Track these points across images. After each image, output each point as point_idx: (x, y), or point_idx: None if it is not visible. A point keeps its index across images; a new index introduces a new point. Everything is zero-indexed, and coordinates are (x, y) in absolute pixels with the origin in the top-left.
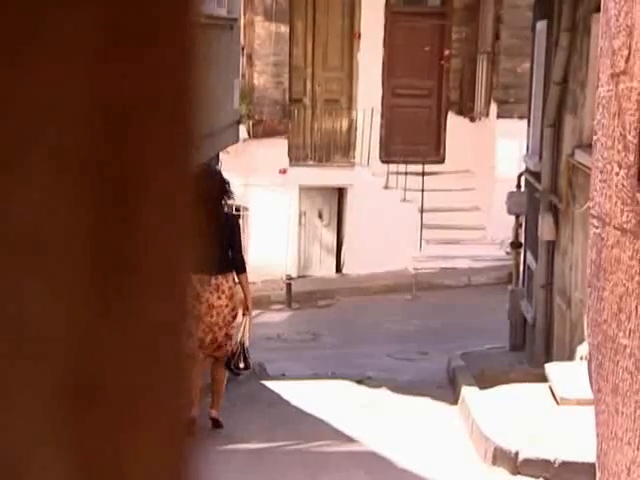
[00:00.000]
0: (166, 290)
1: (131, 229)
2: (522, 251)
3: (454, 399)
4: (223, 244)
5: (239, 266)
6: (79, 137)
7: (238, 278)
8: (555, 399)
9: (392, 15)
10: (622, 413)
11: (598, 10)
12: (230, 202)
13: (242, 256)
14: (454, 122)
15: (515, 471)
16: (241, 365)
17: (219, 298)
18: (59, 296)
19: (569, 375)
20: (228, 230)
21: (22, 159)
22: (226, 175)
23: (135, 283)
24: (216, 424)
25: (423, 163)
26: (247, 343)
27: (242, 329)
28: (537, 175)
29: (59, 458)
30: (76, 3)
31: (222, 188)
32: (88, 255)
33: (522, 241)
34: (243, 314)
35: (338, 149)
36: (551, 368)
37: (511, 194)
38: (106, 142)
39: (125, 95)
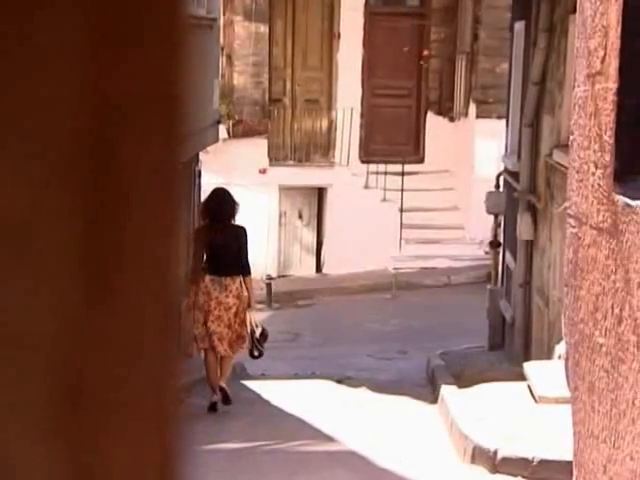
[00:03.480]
0: (154, 288)
1: (118, 227)
2: (501, 251)
3: (433, 398)
4: (232, 251)
5: (245, 270)
6: (67, 136)
7: (244, 280)
8: (534, 398)
9: (371, 15)
10: (598, 411)
11: (575, 11)
12: (237, 217)
13: (248, 262)
14: (433, 122)
15: (494, 470)
16: (255, 353)
17: (227, 296)
18: (46, 293)
19: (547, 374)
20: (236, 240)
21: (11, 157)
22: (235, 197)
23: (123, 281)
24: (225, 399)
25: (403, 163)
26: (257, 333)
27: (248, 323)
28: (516, 175)
29: (47, 456)
30: (64, 7)
31: (232, 206)
32: (76, 252)
33: (501, 241)
34: (247, 308)
35: (318, 149)
36: (530, 367)
37: (490, 194)
38: (94, 141)
39: (113, 95)
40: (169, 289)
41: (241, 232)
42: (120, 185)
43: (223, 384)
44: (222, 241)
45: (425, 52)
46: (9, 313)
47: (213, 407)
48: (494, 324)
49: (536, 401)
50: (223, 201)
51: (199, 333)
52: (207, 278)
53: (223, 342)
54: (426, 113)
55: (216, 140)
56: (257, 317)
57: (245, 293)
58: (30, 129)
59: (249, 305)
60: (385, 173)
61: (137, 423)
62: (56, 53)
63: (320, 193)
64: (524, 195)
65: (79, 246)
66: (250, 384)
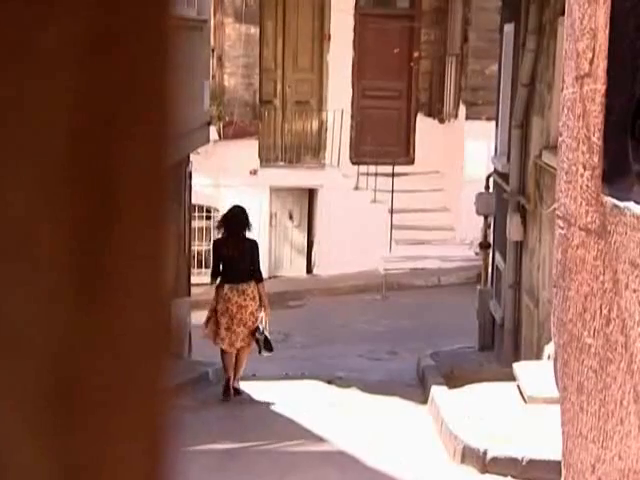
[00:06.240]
0: (145, 289)
1: (109, 229)
2: (491, 251)
3: (424, 398)
4: (246, 261)
5: (258, 277)
6: (58, 137)
7: (257, 286)
8: (523, 398)
9: (361, 17)
10: (587, 411)
11: (564, 13)
12: (251, 230)
13: (260, 270)
14: (423, 123)
15: (483, 470)
16: (265, 353)
17: (244, 300)
18: (39, 295)
19: (537, 374)
20: (249, 251)
21: (3, 159)
22: (246, 210)
23: (114, 282)
24: (237, 392)
25: (393, 164)
26: (267, 332)
27: (262, 322)
28: (505, 176)
29: (38, 457)
30: (56, 11)
31: (246, 220)
32: (67, 255)
33: (491, 241)
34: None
35: (308, 150)
36: (519, 367)
37: (480, 195)
38: (87, 147)
39: (103, 97)
40: (160, 289)
41: (254, 244)
42: (110, 187)
43: (236, 384)
44: (238, 253)
45: (415, 54)
46: (2, 314)
47: (227, 388)
48: (484, 325)
49: (525, 401)
50: (239, 217)
51: (224, 336)
52: (226, 287)
53: (244, 339)
54: (416, 114)
55: (207, 141)
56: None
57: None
58: (21, 131)
59: (263, 307)
60: (375, 174)
61: (129, 424)
62: (47, 55)
63: (311, 194)
64: (514, 196)
65: (70, 248)
66: (241, 384)
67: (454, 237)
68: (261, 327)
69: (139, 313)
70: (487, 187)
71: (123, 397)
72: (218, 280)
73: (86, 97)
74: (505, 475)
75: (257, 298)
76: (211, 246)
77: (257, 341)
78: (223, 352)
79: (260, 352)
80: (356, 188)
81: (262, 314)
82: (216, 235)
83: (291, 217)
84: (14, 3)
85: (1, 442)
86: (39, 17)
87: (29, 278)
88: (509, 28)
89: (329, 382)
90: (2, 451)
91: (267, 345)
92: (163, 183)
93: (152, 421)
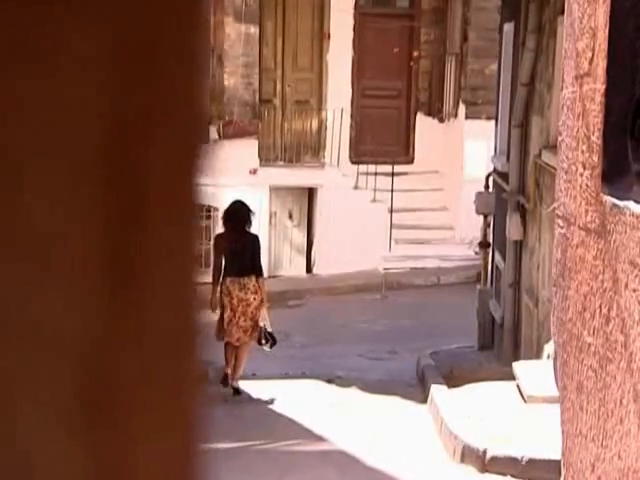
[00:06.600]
0: (175, 296)
1: (142, 234)
2: (490, 251)
3: (423, 398)
4: (248, 256)
5: (258, 271)
6: (93, 143)
7: (257, 280)
8: (523, 397)
9: (361, 16)
10: (586, 411)
11: (564, 12)
12: (252, 225)
13: (261, 265)
14: (423, 123)
15: (483, 469)
16: (264, 343)
17: (245, 293)
18: (71, 293)
19: (536, 373)
20: (251, 245)
21: (40, 163)
22: (250, 207)
23: (145, 288)
24: (236, 392)
25: (392, 163)
26: (268, 327)
27: (261, 318)
28: (505, 176)
29: (69, 455)
30: (84, 17)
31: (248, 216)
32: (99, 263)
33: (490, 241)
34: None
35: (308, 149)
36: (519, 367)
37: (479, 194)
38: (119, 148)
39: (137, 101)
40: (189, 290)
41: (255, 239)
42: (141, 187)
43: (235, 383)
44: (240, 247)
45: (415, 53)
46: (35, 314)
47: (226, 379)
48: (484, 324)
49: (525, 400)
50: (240, 212)
51: (228, 329)
52: (227, 280)
53: (246, 333)
54: (416, 114)
55: (206, 141)
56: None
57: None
58: (55, 131)
59: (262, 301)
60: (375, 174)
61: (158, 423)
62: (82, 63)
63: (310, 193)
64: (513, 196)
65: (102, 248)
66: (241, 384)
67: (454, 236)
68: (262, 323)
69: (169, 313)
70: (487, 186)
71: (152, 396)
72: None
73: (119, 99)
74: (505, 474)
75: (259, 292)
76: (212, 242)
77: (260, 332)
78: (226, 344)
79: (260, 343)
80: (356, 187)
81: (264, 310)
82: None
83: (291, 216)
84: (52, 7)
85: (33, 441)
86: (75, 22)
87: (61, 277)
88: (509, 27)
89: (329, 382)
90: (33, 450)
91: (270, 338)
92: (193, 184)
93: (181, 420)
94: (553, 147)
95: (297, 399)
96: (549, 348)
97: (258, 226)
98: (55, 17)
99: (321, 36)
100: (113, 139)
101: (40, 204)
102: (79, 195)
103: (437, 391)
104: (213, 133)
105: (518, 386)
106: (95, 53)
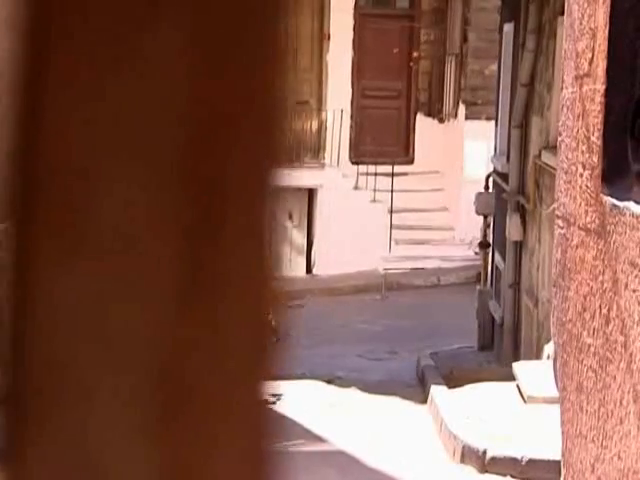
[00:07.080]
0: (251, 300)
1: (219, 238)
2: (490, 251)
3: (423, 398)
4: None
5: None
6: (173, 145)
7: None
8: (523, 398)
9: (361, 17)
10: (586, 411)
11: (563, 13)
12: None
13: None
14: (423, 123)
15: (483, 469)
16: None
17: None
18: (148, 300)
19: (536, 374)
20: None
21: (122, 166)
22: None
23: (221, 291)
24: None
25: (392, 164)
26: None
27: None
28: (505, 176)
29: (142, 460)
30: (171, 21)
31: None
32: (178, 262)
33: (490, 241)
34: None
35: (308, 150)
36: (519, 367)
37: (479, 195)
38: (199, 150)
39: (217, 105)
40: (264, 293)
41: None
42: (219, 190)
43: None
44: None
45: (415, 54)
46: (112, 318)
47: None
48: (483, 324)
49: (525, 401)
50: None
51: None
52: None
53: None
54: (416, 114)
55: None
56: None
57: None
58: (138, 133)
59: None
60: (375, 174)
61: (230, 427)
62: (164, 65)
63: (310, 194)
64: (513, 196)
65: (180, 251)
66: None
67: (453, 237)
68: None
69: (244, 316)
70: (487, 187)
71: (227, 402)
72: None
73: (200, 103)
74: (505, 475)
75: None
76: None
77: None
78: None
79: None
80: (356, 188)
81: None
82: None
83: (290, 217)
84: (139, 10)
85: (107, 442)
86: (156, 25)
87: (140, 277)
88: (508, 28)
89: (329, 382)
90: (106, 451)
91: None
92: (269, 189)
93: (255, 424)
94: (553, 148)
95: (296, 399)
96: (549, 348)
97: None
98: (139, 12)
99: (321, 36)
100: (193, 140)
101: (123, 204)
102: (160, 196)
103: (437, 391)
104: None
105: (518, 386)
106: (176, 54)
